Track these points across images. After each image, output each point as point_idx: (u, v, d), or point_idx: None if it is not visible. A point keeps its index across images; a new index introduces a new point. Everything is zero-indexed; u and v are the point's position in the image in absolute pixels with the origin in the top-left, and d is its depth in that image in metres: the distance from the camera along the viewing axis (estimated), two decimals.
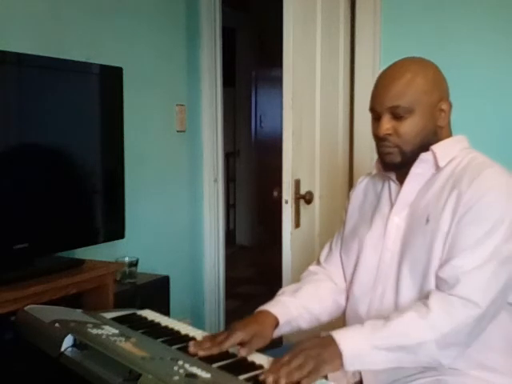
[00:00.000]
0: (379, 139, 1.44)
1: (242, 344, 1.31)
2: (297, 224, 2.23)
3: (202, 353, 1.26)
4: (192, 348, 1.27)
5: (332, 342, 1.25)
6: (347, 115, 2.69)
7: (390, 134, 1.41)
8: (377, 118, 1.44)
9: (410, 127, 1.40)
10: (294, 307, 1.50)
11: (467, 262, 1.28)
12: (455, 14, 2.47)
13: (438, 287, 1.32)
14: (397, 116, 1.40)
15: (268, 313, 1.45)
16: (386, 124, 1.41)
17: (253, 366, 1.23)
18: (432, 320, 1.26)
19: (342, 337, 1.26)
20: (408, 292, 1.40)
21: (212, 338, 1.32)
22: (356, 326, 1.30)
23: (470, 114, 2.37)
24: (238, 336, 1.32)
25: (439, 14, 2.49)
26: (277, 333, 1.46)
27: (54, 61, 2.03)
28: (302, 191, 2.26)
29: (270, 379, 1.14)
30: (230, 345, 1.30)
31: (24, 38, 2.19)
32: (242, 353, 1.27)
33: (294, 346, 1.27)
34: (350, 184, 2.68)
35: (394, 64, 1.47)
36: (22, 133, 1.96)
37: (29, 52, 1.96)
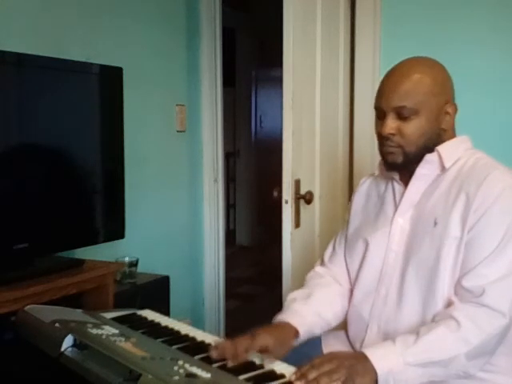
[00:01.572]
0: (382, 138, 1.42)
1: (264, 350, 1.29)
2: (297, 224, 2.23)
3: (231, 363, 1.22)
4: (215, 355, 1.24)
5: (365, 358, 1.23)
6: (347, 115, 2.69)
7: (393, 134, 1.40)
8: (381, 116, 1.43)
9: (414, 128, 1.39)
10: (310, 315, 1.49)
11: (491, 271, 1.28)
12: (455, 14, 2.46)
13: (461, 296, 1.32)
14: (402, 116, 1.39)
15: (288, 324, 1.43)
16: (391, 124, 1.39)
17: (253, 366, 1.23)
18: (463, 334, 1.25)
19: (374, 354, 1.24)
20: (412, 293, 1.39)
21: (233, 344, 1.27)
22: (387, 342, 1.29)
23: (469, 113, 2.36)
24: (263, 338, 1.30)
25: (439, 14, 2.49)
26: (295, 343, 1.44)
27: (53, 61, 2.03)
28: (302, 191, 2.26)
29: (298, 383, 1.14)
30: (256, 347, 1.28)
31: (24, 38, 2.19)
32: (267, 362, 1.24)
33: (327, 354, 1.26)
34: (350, 184, 2.68)
35: (402, 63, 1.45)
36: (22, 133, 1.96)
37: (29, 52, 1.96)
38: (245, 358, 1.25)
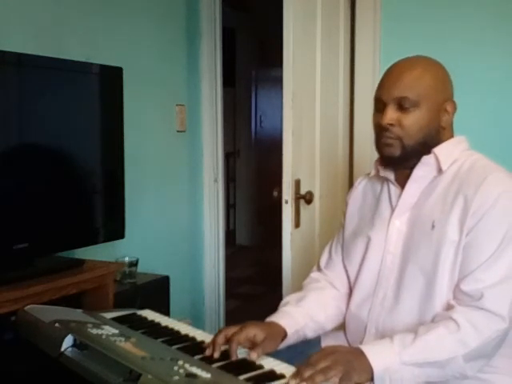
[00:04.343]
0: (381, 129, 1.41)
1: (252, 346, 1.29)
2: (297, 224, 2.23)
3: (216, 353, 1.24)
4: (208, 352, 1.26)
5: (362, 354, 1.23)
6: (347, 115, 2.69)
7: (392, 125, 1.39)
8: (381, 108, 1.42)
9: (414, 120, 1.38)
10: (301, 316, 1.48)
11: (490, 274, 1.28)
12: (455, 13, 2.46)
13: (459, 300, 1.31)
14: (402, 107, 1.38)
15: (276, 324, 1.43)
16: (391, 114, 1.39)
17: (253, 366, 1.22)
18: (462, 336, 1.25)
19: (371, 351, 1.24)
20: (409, 296, 1.39)
21: (221, 332, 1.30)
22: (385, 340, 1.29)
23: (469, 113, 2.36)
24: (251, 329, 1.31)
25: (439, 13, 2.49)
26: (284, 344, 1.43)
27: (53, 61, 2.03)
28: (302, 191, 2.26)
29: (293, 382, 1.13)
30: (244, 337, 1.29)
31: (24, 37, 2.19)
32: (253, 356, 1.24)
33: (323, 349, 1.25)
34: (350, 184, 2.67)
35: (404, 59, 1.46)
36: (22, 133, 1.96)
37: (29, 52, 1.96)
38: (235, 345, 1.26)
